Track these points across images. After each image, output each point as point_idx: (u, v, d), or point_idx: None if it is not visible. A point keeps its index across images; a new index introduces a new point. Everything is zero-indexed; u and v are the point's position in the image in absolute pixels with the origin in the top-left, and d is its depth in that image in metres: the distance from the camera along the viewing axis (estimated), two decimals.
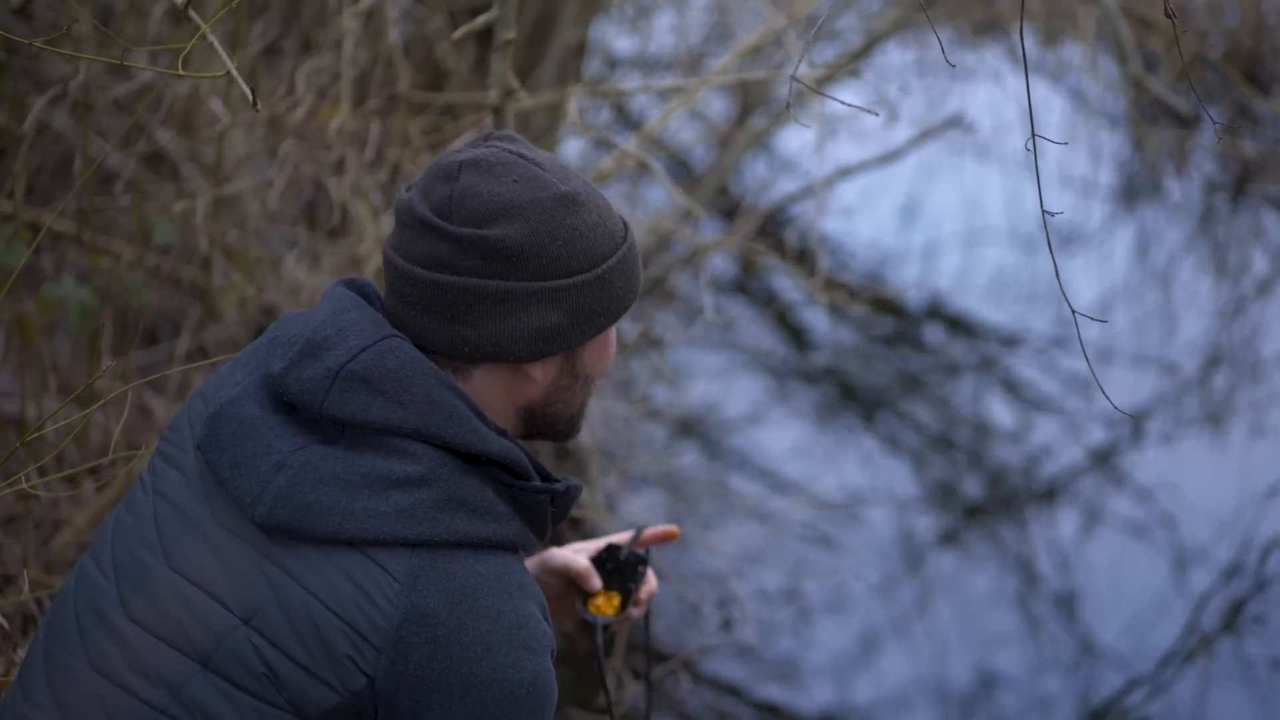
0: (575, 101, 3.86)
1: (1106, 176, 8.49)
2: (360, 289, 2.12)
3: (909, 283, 7.22)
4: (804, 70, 4.33)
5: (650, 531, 2.57)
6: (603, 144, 4.88)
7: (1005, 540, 5.32)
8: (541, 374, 2.07)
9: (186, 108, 4.60)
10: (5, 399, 3.55)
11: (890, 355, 6.71)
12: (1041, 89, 9.08)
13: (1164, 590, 5.03)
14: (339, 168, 4.51)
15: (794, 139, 7.48)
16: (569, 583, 2.52)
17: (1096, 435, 5.89)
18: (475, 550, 1.97)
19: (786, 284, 6.67)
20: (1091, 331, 6.68)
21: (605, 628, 2.50)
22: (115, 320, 4.06)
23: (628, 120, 7.91)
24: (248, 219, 4.30)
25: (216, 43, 2.27)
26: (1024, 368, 6.47)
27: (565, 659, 4.57)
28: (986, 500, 5.63)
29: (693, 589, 4.71)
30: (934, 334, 6.90)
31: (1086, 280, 7.29)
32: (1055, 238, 7.60)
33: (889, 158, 6.28)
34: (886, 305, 6.85)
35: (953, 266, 7.39)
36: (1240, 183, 8.44)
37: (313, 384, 1.98)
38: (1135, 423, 5.97)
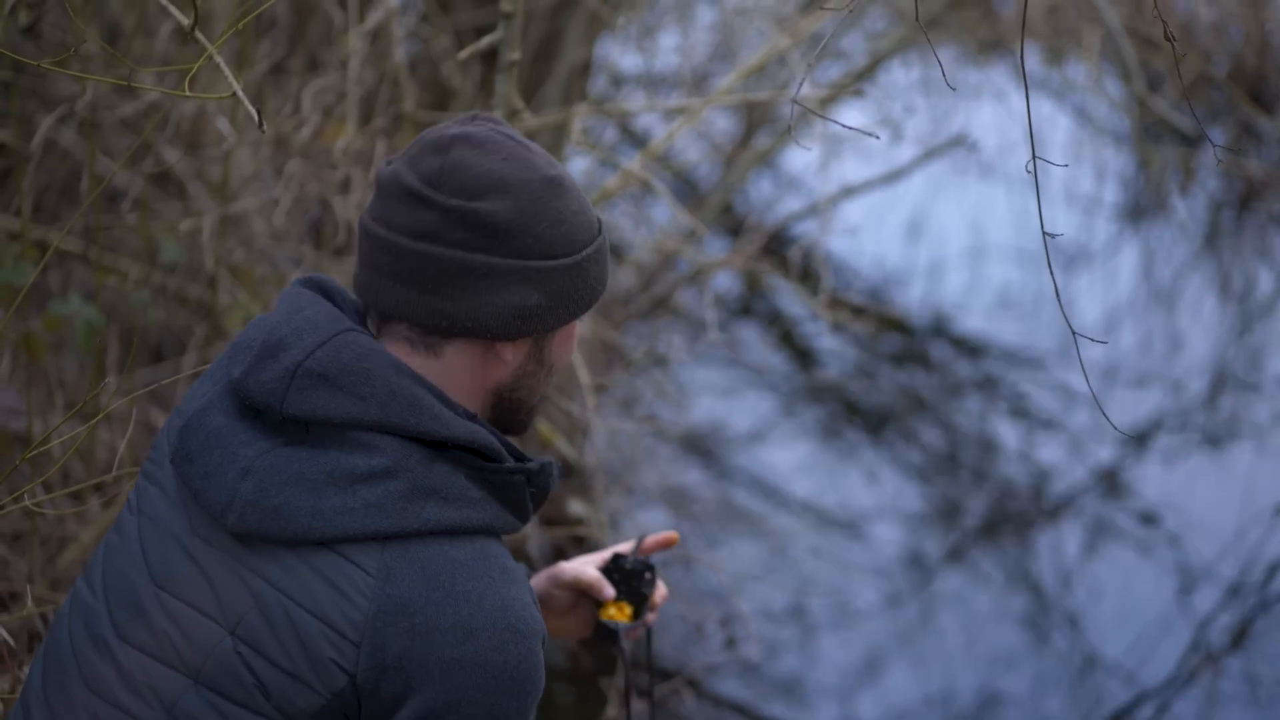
0: (580, 121, 3.86)
1: (1112, 194, 8.49)
2: (319, 285, 2.11)
3: (914, 300, 7.22)
4: (808, 90, 4.34)
5: (651, 539, 2.57)
6: (607, 163, 4.88)
7: (1010, 558, 5.32)
8: (512, 355, 2.05)
9: (193, 127, 4.62)
10: (12, 417, 3.55)
11: (895, 373, 6.71)
12: (1046, 107, 9.09)
13: (1169, 608, 5.03)
14: (344, 187, 4.52)
15: (799, 157, 7.49)
16: (580, 595, 2.52)
17: (1102, 453, 5.89)
18: (451, 537, 1.96)
19: (792, 302, 6.68)
20: (1096, 350, 6.68)
21: (624, 634, 2.52)
22: (122, 338, 4.07)
23: (633, 138, 7.92)
24: (254, 237, 4.31)
25: (223, 63, 2.28)
26: (1029, 385, 6.47)
27: (568, 675, 4.57)
28: (992, 518, 5.62)
29: (696, 607, 4.71)
30: (939, 352, 6.90)
31: (1091, 298, 7.29)
32: (1060, 256, 7.61)
33: (893, 177, 6.30)
34: (892, 323, 6.86)
35: (958, 284, 7.40)
36: (1245, 201, 8.44)
37: (272, 384, 1.96)
38: (1139, 441, 5.97)
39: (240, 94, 2.23)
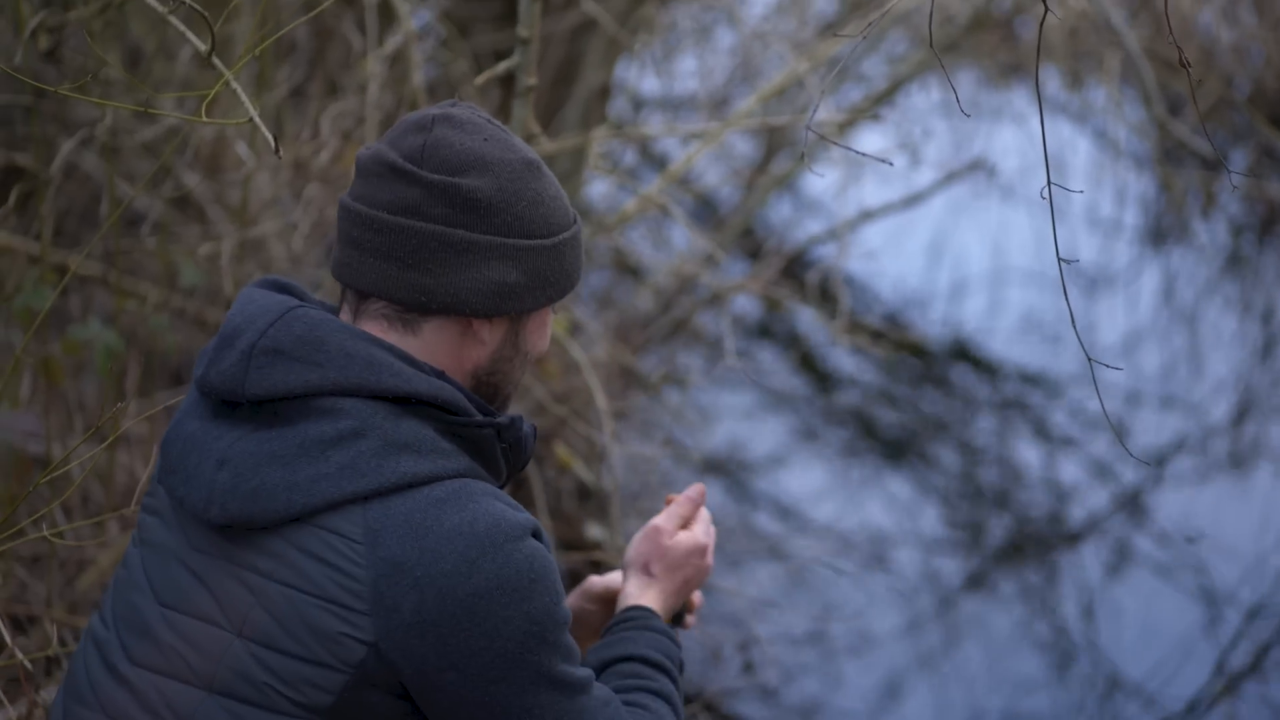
0: (598, 145, 3.87)
1: (1133, 218, 8.47)
2: (274, 283, 2.13)
3: (935, 323, 7.21)
4: (826, 114, 4.34)
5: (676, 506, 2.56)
6: (626, 186, 4.89)
7: (1032, 582, 5.29)
8: (489, 336, 2.07)
9: (213, 150, 4.63)
10: (31, 440, 3.56)
11: (916, 396, 6.70)
12: (1066, 131, 9.07)
13: (1191, 632, 5.00)
14: None
15: (819, 180, 7.48)
16: (613, 604, 2.51)
17: (1124, 477, 5.87)
18: (429, 485, 1.96)
19: (811, 325, 6.67)
20: (1118, 373, 6.66)
21: None
22: (141, 361, 4.08)
23: (654, 160, 7.93)
24: (272, 261, 4.31)
25: (240, 89, 2.29)
26: (1051, 409, 6.45)
27: None
28: (1013, 542, 5.60)
29: (714, 631, 4.70)
30: (960, 375, 6.89)
31: (1113, 322, 7.27)
32: (1082, 279, 7.59)
33: (912, 201, 6.30)
34: (912, 346, 6.84)
35: (979, 307, 7.38)
36: (1267, 224, 8.41)
37: (231, 370, 1.99)
38: (1159, 464, 5.94)
39: (257, 120, 2.23)
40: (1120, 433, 6.17)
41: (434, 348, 2.06)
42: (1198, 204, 8.44)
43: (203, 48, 2.34)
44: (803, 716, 4.72)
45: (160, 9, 2.42)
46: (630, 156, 7.75)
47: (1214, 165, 7.96)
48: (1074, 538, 5.55)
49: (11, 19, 3.97)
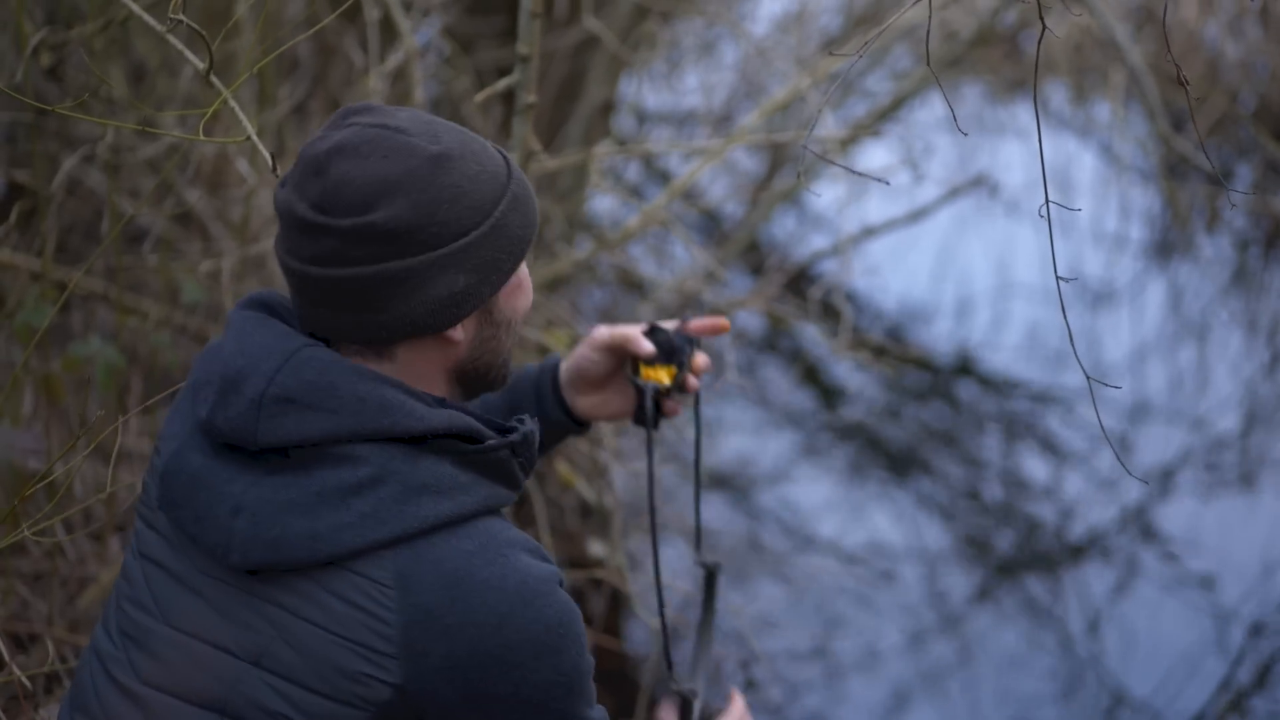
0: (600, 161, 3.86)
1: (1138, 232, 8.46)
2: (263, 304, 2.09)
3: (941, 338, 7.20)
4: (829, 130, 4.34)
5: (698, 323, 2.53)
6: (630, 202, 4.89)
7: (1038, 597, 5.29)
8: (462, 334, 2.04)
9: (215, 167, 4.63)
10: (32, 456, 3.56)
11: (921, 411, 6.69)
12: (1071, 145, 9.07)
13: (1197, 647, 4.99)
14: None
15: (824, 195, 7.49)
16: (618, 358, 2.49)
17: (1130, 492, 5.86)
18: (453, 528, 1.96)
19: (815, 340, 6.67)
20: (1123, 388, 6.65)
21: (657, 394, 2.45)
22: (144, 378, 4.08)
23: (658, 174, 7.93)
24: (274, 278, 4.31)
25: (238, 108, 2.29)
26: (1056, 424, 6.45)
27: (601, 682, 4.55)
28: (1019, 557, 5.60)
29: (717, 649, 4.69)
30: (966, 390, 6.88)
31: (1117, 337, 7.26)
32: (1087, 294, 7.58)
33: (915, 217, 6.29)
34: (917, 361, 6.84)
35: (984, 322, 7.38)
36: (1272, 239, 8.41)
37: (240, 420, 1.95)
38: (1157, 481, 5.94)
39: (255, 138, 2.23)
40: (1122, 449, 6.17)
41: (412, 366, 2.05)
42: (1203, 219, 8.43)
43: (201, 66, 2.34)
44: None
45: (159, 28, 2.42)
46: (635, 171, 7.75)
47: (1218, 180, 7.97)
48: (1080, 553, 5.55)
49: (13, 36, 3.97)
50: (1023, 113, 9.15)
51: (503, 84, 2.98)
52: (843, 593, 5.25)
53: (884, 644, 5.01)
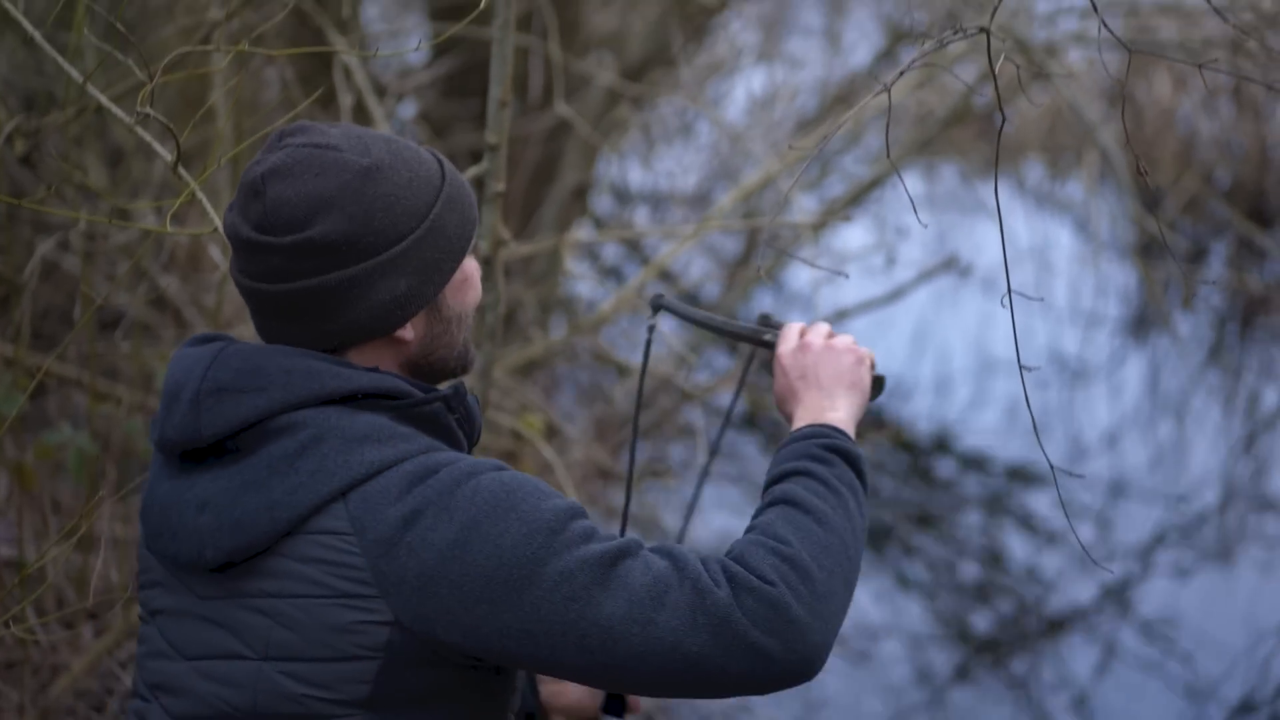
0: (580, 237, 3.88)
1: (1115, 309, 8.50)
2: (199, 339, 2.16)
3: (920, 415, 7.22)
4: (801, 214, 4.36)
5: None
6: (606, 283, 4.91)
7: (1019, 675, 5.28)
8: (411, 333, 2.10)
9: (190, 251, 4.65)
10: (2, 544, 3.55)
11: (901, 488, 6.69)
12: (1048, 222, 9.12)
13: None
14: None
15: (802, 274, 7.52)
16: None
17: (1110, 569, 5.87)
18: (396, 466, 1.99)
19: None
20: (1101, 464, 6.68)
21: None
22: (117, 464, 4.07)
23: (638, 253, 7.96)
24: None
25: (205, 201, 2.30)
26: (1035, 501, 6.46)
27: None
28: (999, 635, 5.59)
29: None
30: (945, 467, 6.89)
31: (1097, 412, 7.28)
32: (1065, 371, 7.61)
33: (889, 299, 6.31)
34: (896, 438, 6.84)
35: (963, 399, 7.40)
36: (1248, 316, 8.45)
37: (183, 421, 2.03)
38: (1144, 556, 5.94)
39: (222, 230, 2.24)
40: (1101, 526, 6.17)
41: (367, 364, 2.12)
42: (1178, 296, 8.48)
43: (169, 158, 2.35)
44: None
45: (127, 120, 2.44)
46: (614, 251, 7.78)
47: (1196, 257, 8.01)
48: (1060, 631, 5.54)
49: None
50: (999, 191, 9.22)
51: (471, 173, 2.99)
52: (824, 671, 5.23)
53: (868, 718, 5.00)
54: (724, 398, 6.87)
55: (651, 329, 2.61)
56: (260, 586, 2.00)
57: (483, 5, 2.41)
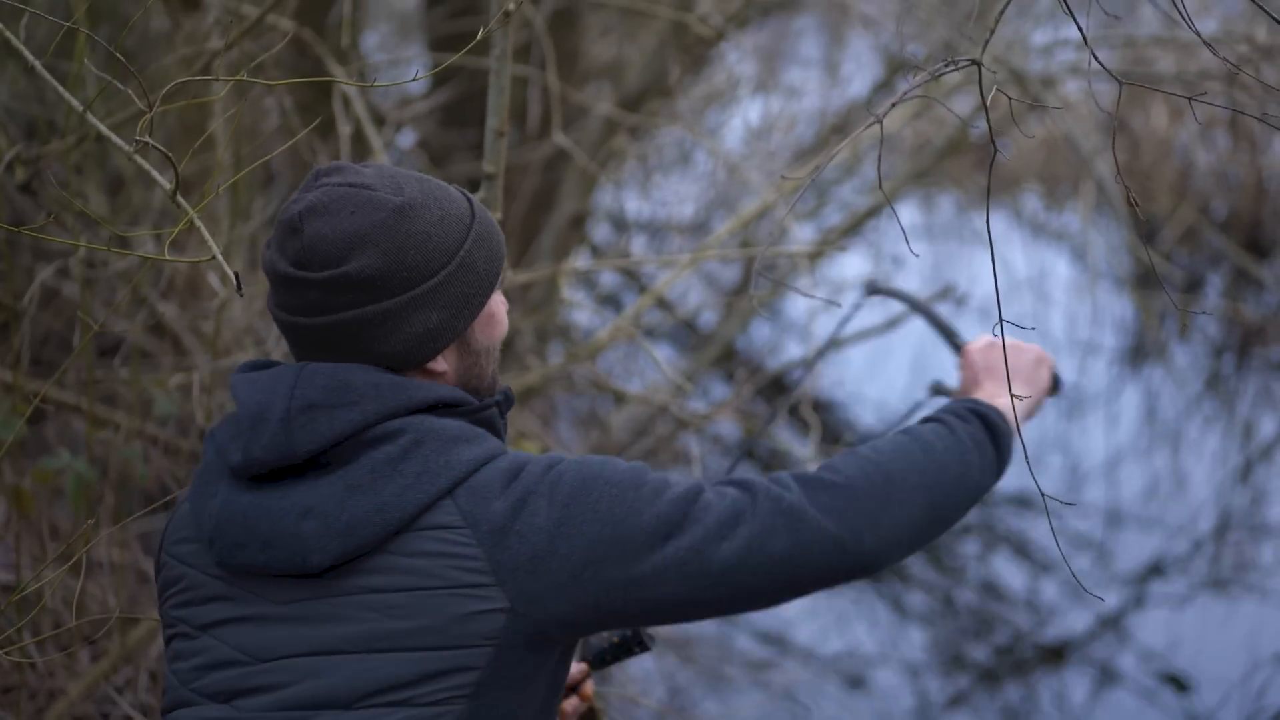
0: (577, 266, 3.89)
1: (1113, 338, 8.52)
2: (255, 364, 2.23)
3: None
4: (797, 244, 4.38)
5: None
6: (603, 311, 4.92)
7: (1015, 704, 5.28)
8: (444, 364, 2.21)
9: (189, 279, 4.66)
10: (2, 569, 3.56)
11: None
12: (1046, 252, 9.14)
13: None
14: None
15: (800, 301, 7.53)
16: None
17: (1107, 597, 5.87)
18: (490, 463, 2.13)
19: (791, 445, 6.69)
20: (1098, 493, 6.69)
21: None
22: (115, 491, 4.08)
23: (635, 281, 7.98)
24: None
25: (204, 228, 2.32)
26: (1032, 531, 6.46)
27: None
28: (995, 664, 5.59)
29: None
30: None
31: (1094, 442, 7.29)
32: (1063, 401, 7.62)
33: (885, 328, 6.32)
34: None
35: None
36: (1244, 345, 8.46)
37: (274, 440, 2.10)
38: (1140, 585, 5.95)
39: (220, 257, 2.26)
40: (1099, 555, 6.18)
41: None
42: (1175, 326, 8.50)
43: (168, 186, 2.36)
44: None
45: (126, 149, 2.45)
46: (612, 279, 7.80)
47: (1192, 286, 8.03)
48: (1057, 659, 5.54)
49: None
50: (997, 221, 9.23)
51: None
52: (820, 697, 5.24)
53: None
54: (721, 426, 6.88)
55: (857, 306, 2.79)
56: (362, 584, 2.08)
57: (480, 35, 2.43)
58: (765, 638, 5.65)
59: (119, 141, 2.49)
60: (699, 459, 4.76)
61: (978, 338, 2.76)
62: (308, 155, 5.11)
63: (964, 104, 6.27)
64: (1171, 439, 7.48)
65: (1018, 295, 8.28)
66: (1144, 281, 8.18)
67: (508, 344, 5.17)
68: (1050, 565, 6.16)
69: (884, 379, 7.63)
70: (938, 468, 2.33)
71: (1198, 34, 2.09)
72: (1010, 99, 2.05)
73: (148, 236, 4.49)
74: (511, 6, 2.72)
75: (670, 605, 2.13)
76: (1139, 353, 8.40)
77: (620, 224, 8.20)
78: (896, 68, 7.33)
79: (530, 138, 5.74)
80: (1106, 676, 5.40)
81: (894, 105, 1.85)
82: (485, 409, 2.22)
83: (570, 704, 2.59)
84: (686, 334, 7.58)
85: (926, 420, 2.43)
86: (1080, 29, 1.93)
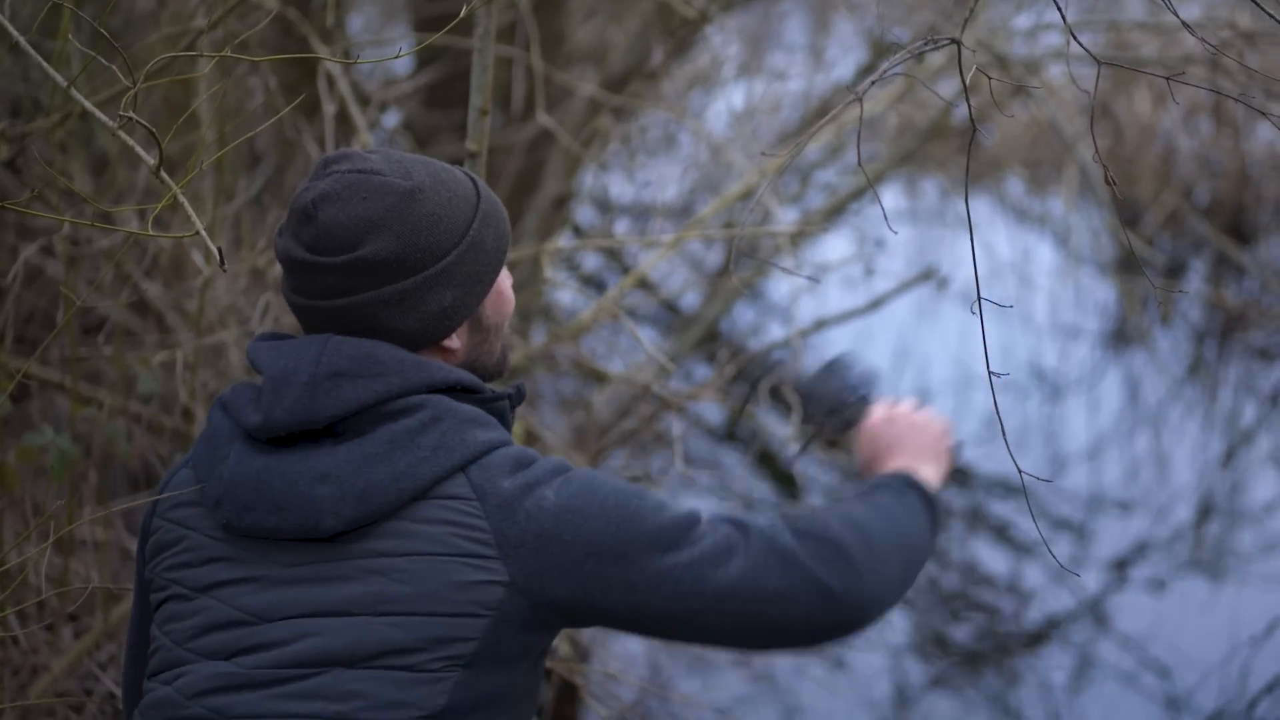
0: (560, 245, 3.89)
1: (1095, 323, 8.53)
2: (275, 335, 2.29)
3: None
4: (781, 225, 4.38)
5: None
6: (586, 292, 4.93)
7: (996, 687, 5.30)
8: (457, 342, 2.28)
9: (173, 257, 4.66)
10: None
11: None
12: (1029, 237, 9.15)
13: None
14: None
15: (783, 283, 7.54)
16: None
17: (1087, 581, 5.89)
18: (500, 449, 2.20)
19: (773, 428, 6.70)
20: (1080, 477, 6.70)
21: None
22: (99, 467, 4.09)
23: (618, 262, 7.98)
24: (230, 369, 4.33)
25: (187, 204, 2.32)
26: (1014, 514, 6.47)
27: None
28: (977, 647, 5.61)
29: None
30: None
31: (1075, 428, 7.31)
32: (1045, 385, 7.63)
33: (867, 309, 6.32)
34: None
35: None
36: (1227, 331, 8.48)
37: (298, 403, 2.17)
38: (1121, 569, 5.96)
39: (204, 233, 2.26)
40: (1080, 539, 6.19)
41: None
42: (1157, 311, 8.51)
43: (151, 163, 2.37)
44: None
45: (110, 124, 2.45)
46: (595, 261, 7.80)
47: (1175, 272, 8.05)
48: (1038, 643, 5.56)
49: None
50: (980, 205, 9.24)
51: None
52: (801, 679, 5.25)
53: None
54: (704, 407, 6.89)
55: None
56: (370, 547, 2.13)
57: (464, 13, 2.44)
58: None
59: (103, 118, 2.49)
60: (680, 439, 4.77)
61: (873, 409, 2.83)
62: (292, 135, 5.11)
63: (948, 89, 6.27)
64: (1153, 424, 7.50)
65: (1000, 279, 8.30)
66: (1126, 266, 8.19)
67: None
68: (1032, 549, 6.18)
69: (868, 360, 7.64)
70: (899, 532, 2.40)
71: (1178, 17, 2.10)
72: (991, 79, 2.07)
73: (132, 214, 4.50)
74: None
75: (658, 618, 2.20)
76: (1121, 337, 8.42)
77: (604, 206, 8.20)
78: (881, 51, 7.33)
79: (514, 119, 5.74)
80: (1087, 659, 5.42)
81: (873, 83, 1.87)
82: (498, 399, 2.28)
83: None
84: (669, 316, 7.59)
85: (869, 494, 2.48)
86: (1060, 9, 1.94)
